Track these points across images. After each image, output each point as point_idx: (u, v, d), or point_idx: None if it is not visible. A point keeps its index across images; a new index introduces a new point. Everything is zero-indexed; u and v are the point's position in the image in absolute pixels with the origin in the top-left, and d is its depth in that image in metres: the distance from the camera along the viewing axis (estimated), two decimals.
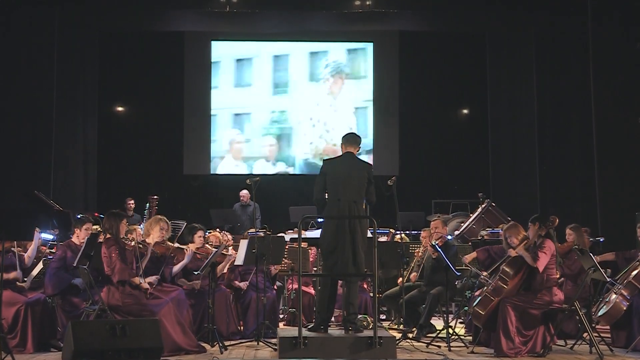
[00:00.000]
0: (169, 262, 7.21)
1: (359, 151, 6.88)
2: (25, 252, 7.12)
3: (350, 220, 6.45)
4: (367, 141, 14.48)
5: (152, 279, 6.86)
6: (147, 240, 7.06)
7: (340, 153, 6.88)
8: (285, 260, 8.30)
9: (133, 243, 6.70)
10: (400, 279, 8.02)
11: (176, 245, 7.35)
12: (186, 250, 7.35)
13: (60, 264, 6.98)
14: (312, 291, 8.38)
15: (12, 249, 6.98)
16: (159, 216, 7.38)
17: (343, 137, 6.90)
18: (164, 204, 10.60)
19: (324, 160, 6.83)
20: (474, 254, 7.53)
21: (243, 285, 7.98)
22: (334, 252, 6.48)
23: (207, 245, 7.80)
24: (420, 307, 7.90)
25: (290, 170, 14.28)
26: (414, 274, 8.23)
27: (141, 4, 12.70)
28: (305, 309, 8.20)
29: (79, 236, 7.18)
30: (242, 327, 7.81)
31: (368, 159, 14.34)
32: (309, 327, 6.61)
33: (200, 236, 7.71)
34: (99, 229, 7.30)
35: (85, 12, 12.65)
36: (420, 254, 8.27)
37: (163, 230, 7.12)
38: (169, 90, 14.40)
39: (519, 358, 6.43)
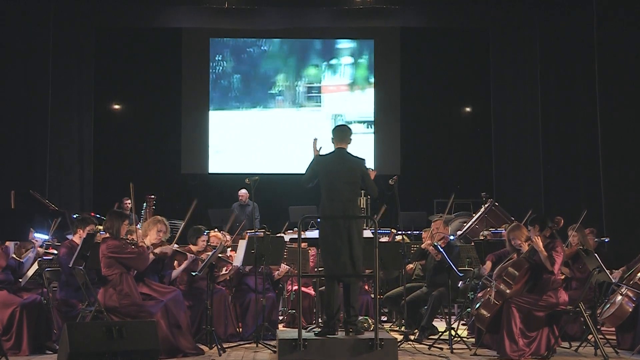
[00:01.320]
0: (167, 267, 7.19)
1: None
2: (23, 257, 7.13)
3: (345, 220, 6.40)
4: (369, 139, 14.50)
5: (167, 249, 6.86)
6: (144, 241, 7.02)
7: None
8: (292, 270, 8.27)
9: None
10: (410, 266, 7.91)
11: (175, 247, 7.29)
12: (189, 255, 7.31)
13: (70, 259, 6.96)
14: (312, 292, 8.38)
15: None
16: (159, 217, 7.25)
17: (332, 131, 6.73)
18: (161, 203, 10.60)
19: (315, 156, 6.66)
20: (489, 263, 7.40)
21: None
22: (330, 253, 6.44)
23: (209, 247, 7.78)
24: (422, 308, 7.90)
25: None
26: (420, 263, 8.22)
27: (138, 0, 12.70)
28: (305, 310, 8.20)
29: (82, 237, 7.11)
30: (240, 329, 7.81)
31: (369, 157, 14.36)
32: (315, 331, 6.55)
33: (204, 240, 7.70)
34: (101, 228, 7.26)
35: (81, 8, 12.64)
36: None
37: (161, 233, 7.02)
38: (167, 87, 14.41)
39: None
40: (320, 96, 14.56)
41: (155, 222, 7.05)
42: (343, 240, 6.38)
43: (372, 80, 14.57)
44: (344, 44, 14.68)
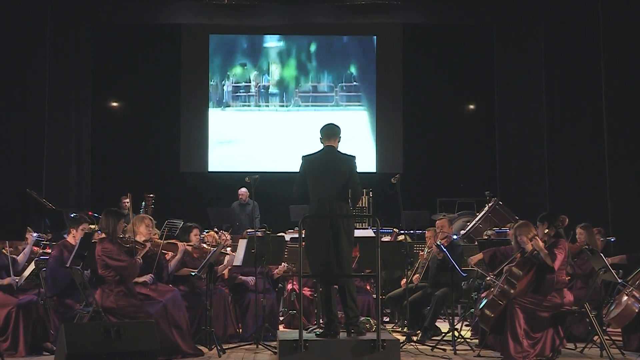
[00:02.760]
0: (163, 262, 7.20)
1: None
2: (17, 254, 7.13)
3: (332, 220, 6.32)
4: (370, 138, 14.50)
5: (146, 277, 6.85)
6: (136, 239, 7.03)
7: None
8: (290, 268, 8.27)
9: (129, 245, 6.68)
10: (404, 281, 8.01)
11: (164, 241, 7.35)
12: (180, 245, 7.35)
13: (58, 263, 6.99)
14: (308, 293, 8.38)
15: (3, 250, 6.99)
16: (142, 215, 7.39)
17: (321, 129, 6.59)
18: (160, 202, 10.59)
19: (303, 156, 6.59)
20: (479, 255, 7.52)
21: (250, 280, 7.91)
22: (316, 254, 6.36)
23: (203, 245, 7.80)
24: (425, 309, 7.90)
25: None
26: (416, 275, 8.19)
27: None
28: (306, 310, 8.19)
29: (76, 237, 7.14)
30: (240, 330, 7.82)
31: (371, 155, 14.37)
32: (317, 332, 6.54)
33: (196, 234, 7.71)
34: (97, 228, 7.28)
35: (78, 3, 12.63)
36: (425, 255, 8.24)
37: (149, 228, 7.10)
38: (165, 85, 14.40)
39: None
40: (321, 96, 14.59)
41: (141, 220, 7.12)
42: (328, 240, 6.29)
43: (373, 76, 14.54)
44: (346, 40, 14.66)
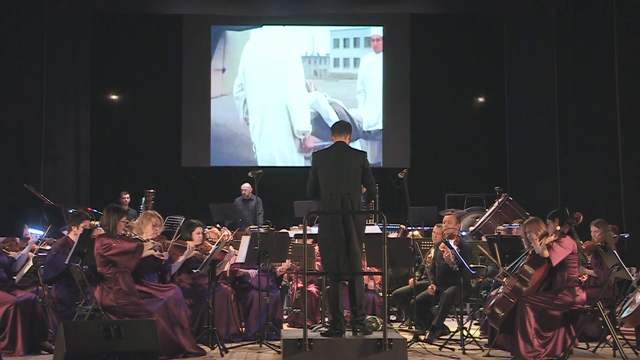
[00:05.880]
0: (167, 262, 7.21)
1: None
2: (14, 252, 7.15)
3: (343, 216, 6.37)
4: (377, 131, 14.50)
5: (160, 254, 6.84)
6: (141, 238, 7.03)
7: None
8: (294, 265, 8.28)
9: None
10: (412, 280, 8.00)
11: (173, 241, 7.33)
12: (189, 246, 7.34)
13: (60, 251, 7.00)
14: (313, 290, 8.38)
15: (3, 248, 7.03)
16: (151, 212, 7.35)
17: (332, 126, 6.79)
18: (160, 198, 10.61)
19: (313, 153, 6.75)
20: None
21: (252, 272, 7.92)
22: (327, 250, 6.42)
23: (206, 242, 7.81)
24: (433, 307, 7.90)
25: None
26: (431, 285, 8.11)
27: None
28: (311, 309, 8.20)
29: (77, 234, 7.14)
30: (243, 329, 7.83)
31: (377, 150, 14.37)
32: (322, 331, 6.57)
33: (199, 233, 7.70)
34: (97, 224, 7.29)
35: None
36: (431, 256, 8.21)
37: (156, 227, 7.07)
38: (166, 77, 14.40)
39: None
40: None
41: (148, 218, 7.08)
42: (341, 236, 6.34)
43: (380, 68, 14.53)
44: (353, 31, 14.63)
